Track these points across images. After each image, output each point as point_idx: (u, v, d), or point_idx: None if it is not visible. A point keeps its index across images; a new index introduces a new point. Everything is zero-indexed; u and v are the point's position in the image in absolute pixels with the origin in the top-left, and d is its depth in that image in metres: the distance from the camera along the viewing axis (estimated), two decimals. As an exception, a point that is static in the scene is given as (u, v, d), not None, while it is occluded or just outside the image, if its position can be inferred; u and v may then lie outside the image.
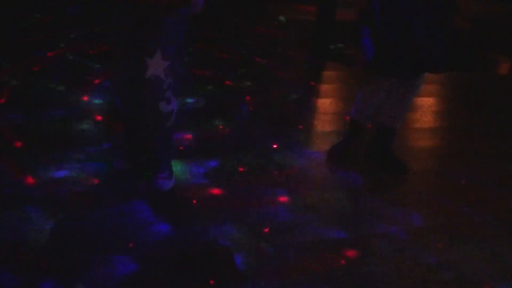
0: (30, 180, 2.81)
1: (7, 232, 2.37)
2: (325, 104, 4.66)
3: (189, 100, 4.23)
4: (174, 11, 2.53)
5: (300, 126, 4.00)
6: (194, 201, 2.78)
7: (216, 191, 2.93)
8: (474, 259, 2.56)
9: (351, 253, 2.49)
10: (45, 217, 2.49)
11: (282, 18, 5.32)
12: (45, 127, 3.47)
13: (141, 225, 2.52)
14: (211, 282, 2.19)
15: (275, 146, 3.56)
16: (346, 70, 5.77)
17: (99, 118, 3.71)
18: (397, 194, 3.15)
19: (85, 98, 4.04)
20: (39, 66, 4.71)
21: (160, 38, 2.54)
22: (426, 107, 4.78)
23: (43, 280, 2.09)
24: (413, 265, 2.45)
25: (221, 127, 3.81)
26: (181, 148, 3.38)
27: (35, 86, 4.21)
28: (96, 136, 3.43)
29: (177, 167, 3.07)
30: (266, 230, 2.60)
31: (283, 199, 2.91)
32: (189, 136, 3.57)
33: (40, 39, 5.60)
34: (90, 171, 2.96)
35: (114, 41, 2.69)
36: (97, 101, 4.02)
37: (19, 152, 3.11)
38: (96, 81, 4.44)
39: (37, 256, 2.22)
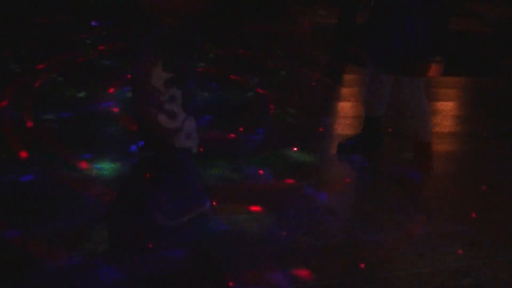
0: (58, 177, 2.86)
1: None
2: (346, 107, 4.66)
3: (209, 102, 4.26)
4: (178, 16, 2.33)
5: (321, 129, 4.01)
6: (213, 203, 2.81)
7: (234, 193, 2.95)
8: (494, 266, 2.55)
9: (369, 257, 2.50)
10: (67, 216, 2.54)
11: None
12: (68, 129, 3.53)
13: (158, 226, 2.55)
14: (230, 284, 2.22)
15: (295, 149, 3.57)
16: (365, 73, 5.75)
17: (121, 120, 3.76)
18: (416, 199, 3.14)
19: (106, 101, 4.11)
20: (62, 67, 4.77)
21: (162, 47, 2.34)
22: (446, 111, 4.76)
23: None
24: (432, 271, 2.45)
25: (241, 129, 3.84)
26: (201, 149, 3.40)
27: (60, 87, 4.27)
28: (118, 138, 3.48)
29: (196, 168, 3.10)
30: (284, 233, 2.62)
31: (303, 201, 2.93)
32: (209, 137, 3.60)
33: (62, 40, 5.67)
34: (110, 171, 3.01)
35: (129, 48, 2.57)
36: (118, 103, 4.07)
37: (49, 151, 3.17)
38: (115, 83, 4.50)
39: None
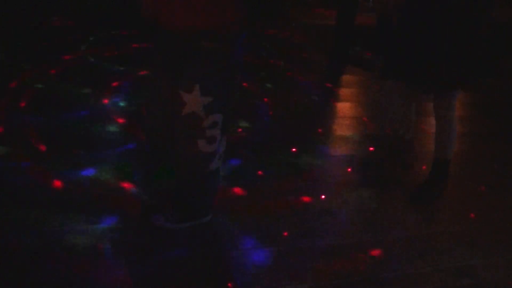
0: (54, 182, 2.86)
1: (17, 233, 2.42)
2: (344, 108, 4.67)
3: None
4: (214, 37, 2.18)
5: (319, 130, 4.01)
6: (215, 203, 2.80)
7: (234, 193, 2.95)
8: (494, 265, 2.54)
9: (370, 258, 2.50)
10: (68, 219, 2.54)
11: None
12: (67, 130, 3.53)
13: (158, 227, 2.55)
14: (229, 285, 2.21)
15: (294, 149, 3.57)
16: (366, 74, 5.76)
17: (120, 120, 3.76)
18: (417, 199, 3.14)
19: (106, 101, 4.11)
20: (60, 68, 4.78)
21: (198, 71, 2.22)
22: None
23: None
24: (432, 271, 2.44)
25: (240, 130, 3.84)
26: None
27: (57, 89, 4.27)
28: (118, 138, 3.48)
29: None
30: (285, 234, 2.61)
31: (302, 202, 2.93)
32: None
33: (61, 42, 5.69)
34: (110, 174, 3.00)
35: (152, 71, 2.46)
36: (118, 104, 4.07)
37: (42, 154, 3.17)
38: (115, 84, 4.51)
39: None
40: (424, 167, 3.43)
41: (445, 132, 3.06)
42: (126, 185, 2.89)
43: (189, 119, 2.26)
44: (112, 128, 3.61)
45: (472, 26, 2.78)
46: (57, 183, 2.83)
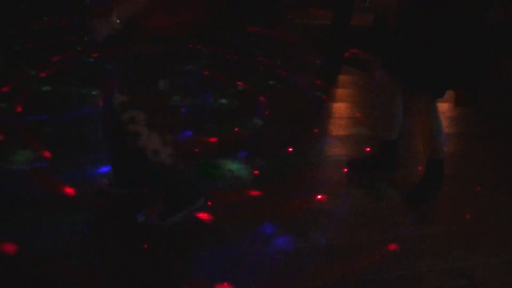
0: (56, 183, 2.85)
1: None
2: (340, 108, 4.67)
3: (203, 103, 4.26)
4: (162, 42, 2.32)
5: (315, 130, 4.01)
6: (209, 203, 2.79)
7: (230, 194, 2.95)
8: (489, 266, 2.54)
9: (365, 259, 2.49)
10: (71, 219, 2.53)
11: None
12: (67, 130, 3.52)
13: (158, 227, 2.55)
14: (225, 284, 2.21)
15: (290, 149, 3.57)
16: (361, 75, 5.77)
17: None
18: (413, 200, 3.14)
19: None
20: (56, 69, 4.77)
21: (119, 71, 2.44)
22: (442, 112, 4.74)
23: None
24: (428, 272, 2.44)
25: (236, 129, 3.83)
26: (196, 150, 3.40)
27: (55, 89, 4.26)
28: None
29: (192, 170, 3.09)
30: (280, 234, 2.61)
31: (297, 203, 2.92)
32: (203, 139, 3.60)
33: (57, 42, 5.68)
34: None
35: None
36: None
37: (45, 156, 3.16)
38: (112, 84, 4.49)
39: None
40: (420, 167, 3.43)
41: (432, 132, 3.05)
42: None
43: (111, 114, 2.41)
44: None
45: (465, 33, 2.77)
46: (63, 186, 2.83)
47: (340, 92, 5.23)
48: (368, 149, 3.73)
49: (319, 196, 3.01)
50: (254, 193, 2.98)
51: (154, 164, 2.44)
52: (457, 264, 2.52)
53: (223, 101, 4.38)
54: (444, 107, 4.93)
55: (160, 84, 2.38)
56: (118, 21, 2.08)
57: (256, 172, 3.21)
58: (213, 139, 3.61)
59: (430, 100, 2.99)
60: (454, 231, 2.83)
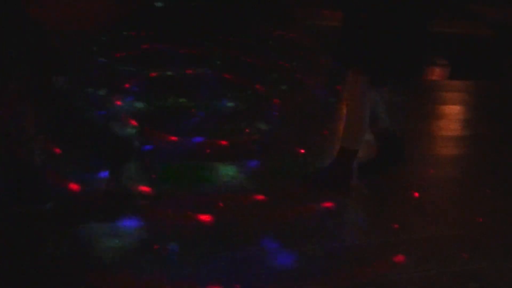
0: (71, 184, 2.88)
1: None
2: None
3: (215, 105, 4.28)
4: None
5: (326, 132, 4.02)
6: (221, 204, 2.82)
7: (240, 195, 2.97)
8: (499, 269, 2.55)
9: (374, 261, 2.50)
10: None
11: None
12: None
13: (167, 226, 2.58)
14: (237, 286, 2.23)
15: (302, 151, 3.58)
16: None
17: (133, 121, 3.79)
18: (422, 202, 3.14)
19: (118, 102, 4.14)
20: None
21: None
22: (451, 115, 4.76)
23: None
24: (438, 274, 2.45)
25: (247, 130, 3.85)
26: (208, 151, 3.42)
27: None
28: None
29: (203, 170, 3.12)
30: (289, 236, 2.62)
31: (308, 204, 2.94)
32: (215, 140, 3.61)
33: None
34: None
35: None
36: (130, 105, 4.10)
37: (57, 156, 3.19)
38: (127, 85, 4.53)
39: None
40: (432, 170, 3.43)
41: (354, 119, 3.02)
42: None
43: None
44: (130, 130, 3.64)
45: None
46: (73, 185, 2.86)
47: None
48: (376, 150, 3.71)
49: (328, 198, 3.00)
50: (262, 196, 2.99)
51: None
52: (467, 267, 2.53)
53: (235, 104, 4.39)
54: (455, 109, 4.93)
55: (59, 81, 2.43)
56: None
57: (266, 173, 3.22)
58: (224, 142, 3.62)
59: (365, 85, 2.95)
60: (463, 233, 2.83)
